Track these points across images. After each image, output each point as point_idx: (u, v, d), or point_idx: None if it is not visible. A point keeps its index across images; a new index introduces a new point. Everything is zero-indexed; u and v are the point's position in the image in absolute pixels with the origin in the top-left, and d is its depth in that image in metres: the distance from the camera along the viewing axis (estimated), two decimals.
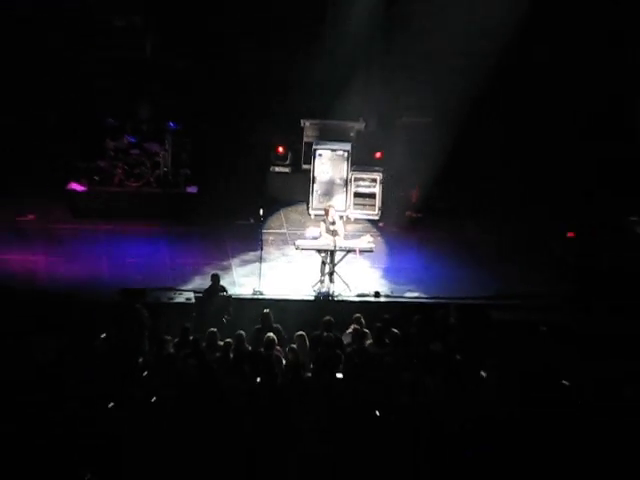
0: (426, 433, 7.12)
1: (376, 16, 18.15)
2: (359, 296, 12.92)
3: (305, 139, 17.02)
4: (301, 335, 9.73)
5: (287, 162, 17.04)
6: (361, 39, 18.02)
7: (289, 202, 16.74)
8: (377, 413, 7.56)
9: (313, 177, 16.53)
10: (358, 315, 10.49)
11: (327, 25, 18.55)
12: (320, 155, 16.36)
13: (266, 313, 10.55)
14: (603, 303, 12.89)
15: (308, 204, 16.82)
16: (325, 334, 9.87)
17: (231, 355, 9.06)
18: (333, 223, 13.44)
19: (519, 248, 15.56)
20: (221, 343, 9.36)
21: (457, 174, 17.28)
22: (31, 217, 15.84)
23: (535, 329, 10.62)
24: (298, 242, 13.86)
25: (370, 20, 18.14)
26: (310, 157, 16.43)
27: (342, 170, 16.31)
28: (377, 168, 16.51)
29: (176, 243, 15.12)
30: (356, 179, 16.39)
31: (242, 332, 9.57)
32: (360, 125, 17.13)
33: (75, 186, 16.18)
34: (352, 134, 17.01)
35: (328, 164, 16.46)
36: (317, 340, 9.88)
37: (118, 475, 6.21)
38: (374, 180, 16.38)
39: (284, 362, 9.11)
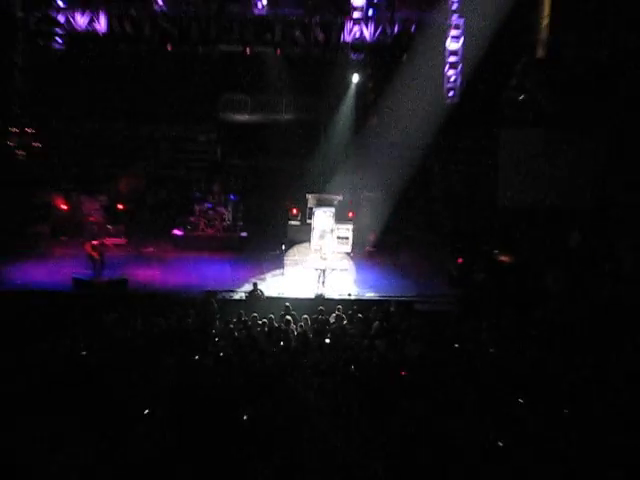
0: (372, 380, 9.00)
1: (351, 129, 23.07)
2: (339, 295, 16.05)
3: (308, 205, 20.15)
4: (305, 318, 12.48)
5: (298, 218, 20.72)
6: (342, 146, 23.08)
7: (300, 242, 19.76)
8: (352, 368, 9.58)
9: (312, 227, 19.54)
10: (339, 306, 13.59)
11: (321, 143, 23.73)
12: (316, 214, 19.48)
13: (287, 305, 13.50)
14: (478, 301, 15.89)
15: (310, 243, 19.72)
16: (319, 317, 12.70)
17: (266, 329, 11.84)
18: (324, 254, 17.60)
19: (429, 269, 19.36)
20: (260, 322, 12.17)
21: (395, 226, 21.34)
22: (150, 249, 20.23)
23: (442, 315, 14.62)
24: (306, 264, 18.45)
25: (347, 133, 23.18)
26: (311, 215, 19.69)
27: (330, 223, 19.38)
28: (350, 222, 20.14)
29: (234, 265, 18.88)
30: (338, 228, 19.71)
31: (272, 315, 12.52)
32: (340, 197, 20.05)
33: (176, 231, 20.88)
34: (335, 202, 19.86)
35: (321, 219, 19.41)
36: (315, 320, 12.52)
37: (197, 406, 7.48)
38: (348, 229, 19.97)
39: (296, 333, 11.80)
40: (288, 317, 12.66)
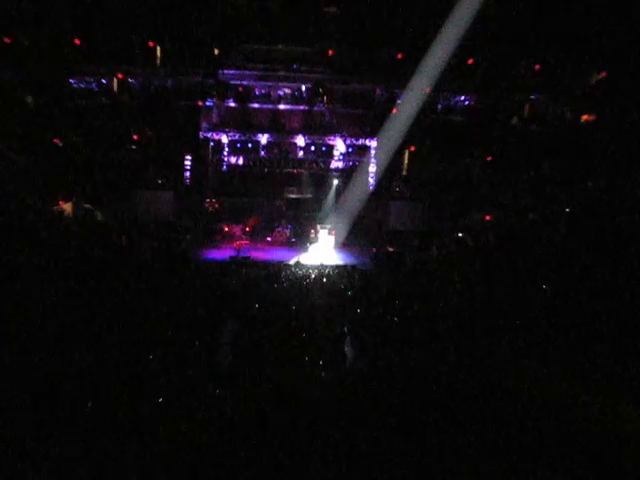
0: (340, 295, 10.33)
1: (333, 202, 25.81)
2: (329, 263, 18.68)
3: (318, 228, 23.99)
4: (317, 271, 15.09)
5: (314, 234, 24.19)
6: (330, 209, 25.89)
7: (314, 243, 23.50)
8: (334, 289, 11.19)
9: (319, 237, 23.65)
10: (329, 267, 16.30)
11: (322, 208, 26.29)
12: (320, 232, 23.87)
13: (309, 267, 16.19)
14: (381, 266, 18.56)
15: (318, 243, 23.13)
16: (322, 271, 15.06)
17: (302, 274, 13.79)
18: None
19: (364, 253, 22.37)
20: (299, 272, 14.76)
21: (349, 236, 24.83)
22: (245, 242, 23.06)
23: (367, 271, 16.81)
24: (317, 251, 21.78)
25: (332, 204, 25.83)
26: (318, 232, 23.90)
27: (326, 235, 23.74)
28: (333, 235, 23.92)
29: (290, 252, 21.87)
30: (329, 237, 23.71)
31: (304, 270, 15.16)
32: (329, 225, 23.97)
33: (268, 238, 24.65)
34: (328, 227, 23.94)
35: (323, 234, 23.75)
36: (320, 272, 14.79)
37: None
38: (332, 237, 23.78)
39: (313, 276, 13.63)
40: (310, 271, 15.67)
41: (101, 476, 3.34)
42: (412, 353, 6.07)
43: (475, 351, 6.06)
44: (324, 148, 25.27)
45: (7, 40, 17.63)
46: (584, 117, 21.16)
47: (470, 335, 6.84)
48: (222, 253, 20.52)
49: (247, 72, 23.10)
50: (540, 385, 4.95)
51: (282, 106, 24.90)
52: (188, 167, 24.29)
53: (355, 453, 3.63)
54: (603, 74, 20.20)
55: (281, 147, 25.24)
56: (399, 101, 23.22)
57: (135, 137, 23.37)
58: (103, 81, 22.00)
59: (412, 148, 24.62)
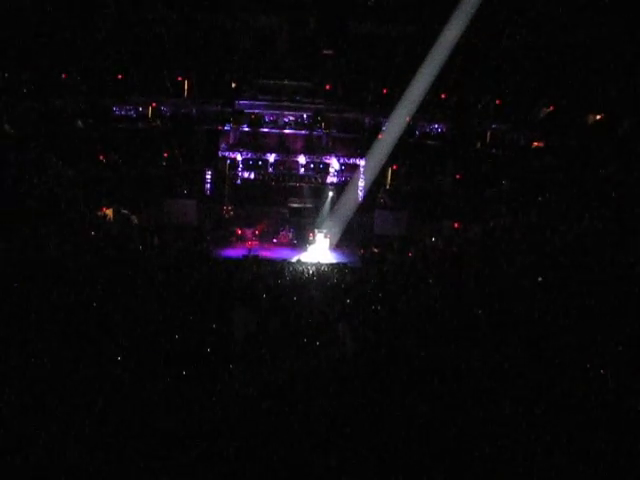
0: (335, 289, 10.35)
1: (327, 213, 25.34)
2: (325, 261, 18.88)
3: (316, 232, 23.72)
4: (315, 267, 14.95)
5: (312, 237, 23.91)
6: (325, 219, 25.17)
7: (312, 244, 23.42)
8: (328, 283, 11.35)
9: (316, 239, 23.51)
10: (325, 265, 16.48)
11: (320, 218, 25.63)
12: (317, 235, 23.75)
13: (308, 264, 16.39)
14: (368, 265, 18.25)
15: (316, 244, 23.04)
16: (319, 268, 15.14)
17: (302, 270, 13.97)
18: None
19: (354, 253, 22.35)
20: (300, 268, 14.74)
21: (341, 239, 24.36)
22: (255, 243, 23.06)
23: (357, 269, 16.78)
24: (315, 251, 21.85)
25: (326, 215, 25.34)
26: (316, 235, 23.63)
27: (322, 238, 23.60)
28: (328, 238, 23.71)
29: (292, 252, 21.98)
30: (324, 239, 23.60)
31: (304, 267, 15.30)
32: (325, 230, 23.75)
33: (274, 240, 24.36)
34: (324, 231, 23.87)
35: (319, 237, 23.61)
36: (317, 269, 14.92)
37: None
38: (327, 240, 23.63)
39: (311, 272, 13.71)
40: (309, 267, 15.67)
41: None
42: (393, 334, 6.26)
43: (444, 333, 6.21)
44: (321, 166, 25.15)
45: (64, 75, 18.96)
46: (535, 143, 21.99)
47: (440, 320, 6.95)
48: (236, 252, 20.77)
49: (258, 102, 23.54)
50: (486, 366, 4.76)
51: (287, 130, 25.10)
52: (209, 180, 24.46)
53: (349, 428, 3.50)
54: (551, 108, 20.99)
55: (286, 164, 25.17)
56: (384, 127, 23.46)
57: (165, 155, 23.77)
58: (140, 109, 22.59)
59: (395, 166, 24.82)
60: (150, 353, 4.86)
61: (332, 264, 18.15)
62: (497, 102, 21.67)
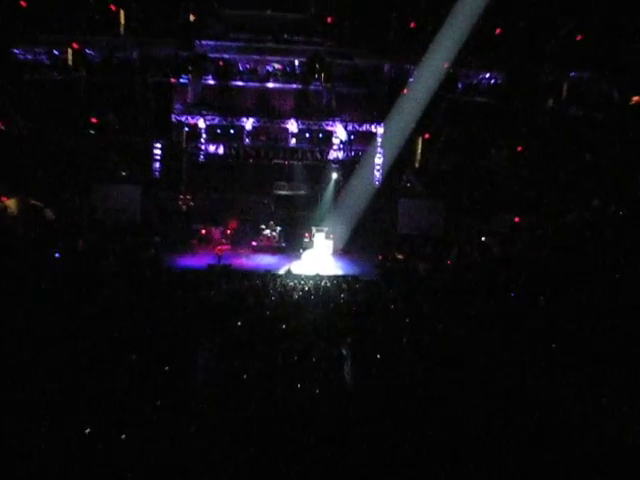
0: (340, 310, 10.94)
1: (332, 199, 27.21)
2: (326, 273, 19.14)
3: (313, 232, 24.79)
4: (311, 282, 15.36)
5: (308, 238, 24.92)
6: (327, 207, 27.30)
7: (309, 249, 24.33)
8: (332, 305, 11.53)
9: (314, 241, 24.56)
10: (326, 278, 16.80)
11: (318, 205, 27.63)
12: (316, 235, 24.67)
13: (302, 277, 16.84)
14: (387, 277, 18.81)
15: (314, 249, 24.01)
16: (317, 282, 15.52)
17: (293, 286, 14.21)
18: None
19: (366, 261, 22.91)
20: (291, 284, 15.05)
21: (350, 242, 25.62)
22: (226, 247, 23.93)
23: (371, 282, 17.51)
24: (311, 258, 22.89)
25: (330, 201, 27.33)
26: (314, 236, 24.63)
27: (322, 239, 24.61)
28: (331, 239, 24.75)
29: (278, 259, 23.07)
30: (326, 241, 24.58)
31: (296, 281, 15.67)
32: (326, 228, 24.78)
33: (253, 243, 25.18)
34: (325, 230, 24.81)
35: (319, 238, 24.59)
36: (315, 284, 15.12)
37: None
38: (330, 242, 24.62)
39: (306, 288, 13.99)
40: (303, 282, 16.01)
41: None
42: (424, 386, 6.31)
43: (504, 388, 6.33)
44: (321, 135, 26.08)
45: None
46: (636, 99, 20.32)
47: (498, 367, 7.04)
48: (198, 260, 21.28)
49: (229, 43, 23.55)
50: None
51: (271, 84, 25.42)
52: (158, 157, 24.93)
53: None
54: None
55: (269, 134, 26.13)
56: (411, 79, 23.81)
57: (93, 120, 23.65)
58: (55, 52, 22.15)
59: (427, 136, 25.26)
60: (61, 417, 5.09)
61: (337, 277, 18.47)
62: (577, 39, 20.78)
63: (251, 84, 25.33)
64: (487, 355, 7.49)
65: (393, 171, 25.85)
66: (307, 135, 26.14)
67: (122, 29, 22.20)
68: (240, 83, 25.28)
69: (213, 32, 23.35)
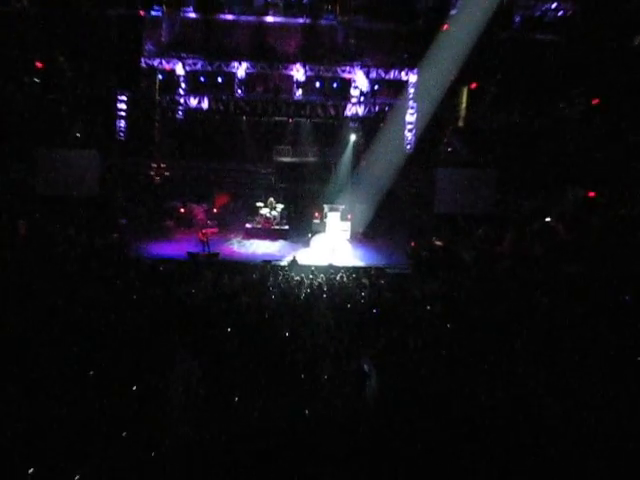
0: (360, 313, 11.08)
1: (350, 167, 28.15)
2: (342, 264, 19.79)
3: (325, 211, 25.33)
4: (322, 276, 15.73)
5: (319, 219, 25.76)
6: (344, 177, 28.20)
7: (319, 232, 24.98)
8: (348, 305, 11.74)
9: (327, 224, 25.20)
10: (342, 270, 17.40)
11: (332, 175, 28.76)
12: (329, 216, 25.18)
13: (312, 269, 17.17)
14: (423, 267, 19.72)
15: (326, 233, 24.65)
16: (330, 276, 15.83)
17: (299, 282, 14.42)
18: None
19: (394, 248, 23.87)
20: (296, 278, 15.19)
21: (374, 223, 26.56)
22: (213, 230, 24.50)
23: (402, 276, 18.19)
24: (323, 245, 23.22)
25: (347, 170, 28.14)
26: (326, 217, 25.22)
27: (337, 221, 25.17)
28: (348, 221, 25.52)
29: (281, 245, 23.98)
30: (341, 224, 25.15)
31: (303, 275, 15.93)
32: (343, 206, 25.43)
33: (247, 225, 25.86)
34: (340, 209, 25.39)
35: (332, 219, 25.12)
36: (327, 278, 15.42)
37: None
38: (347, 225, 25.37)
39: (316, 285, 14.19)
40: (312, 276, 16.16)
41: None
42: (468, 408, 6.46)
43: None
44: (335, 85, 26.43)
45: None
46: None
47: (565, 385, 7.18)
48: (176, 248, 21.76)
49: None
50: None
51: (270, 19, 25.82)
52: (122, 113, 25.42)
53: None
54: None
55: (268, 83, 26.64)
56: (453, 11, 24.22)
57: (38, 65, 23.84)
58: None
59: (473, 85, 25.90)
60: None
61: (356, 270, 18.81)
62: None
63: (244, 18, 25.72)
64: (557, 383, 7.44)
65: (429, 132, 26.22)
66: (317, 85, 26.53)
67: None
68: (230, 17, 25.70)
69: None
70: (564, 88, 24.93)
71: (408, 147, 26.64)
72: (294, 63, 25.97)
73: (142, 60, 25.31)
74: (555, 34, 24.77)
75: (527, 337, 9.20)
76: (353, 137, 27.81)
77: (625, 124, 23.22)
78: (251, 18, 25.69)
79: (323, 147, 28.53)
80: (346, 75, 26.17)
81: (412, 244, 23.47)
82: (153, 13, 24.63)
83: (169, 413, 6.32)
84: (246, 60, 25.73)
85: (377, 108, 27.28)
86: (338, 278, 16.33)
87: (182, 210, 26.44)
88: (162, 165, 27.09)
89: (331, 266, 19.28)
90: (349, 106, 27.13)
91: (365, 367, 7.48)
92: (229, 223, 26.99)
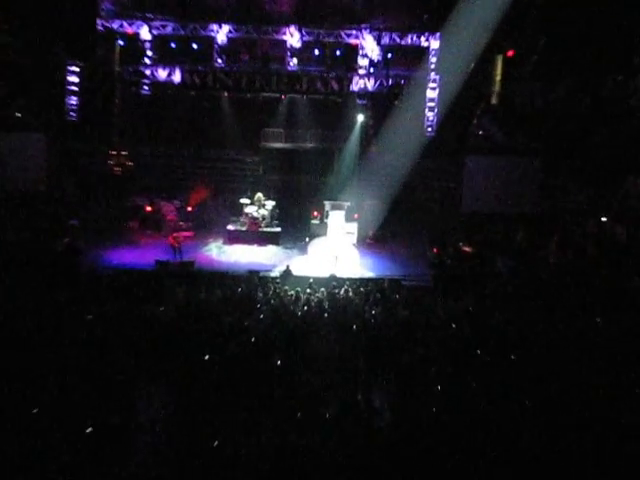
0: (370, 335, 11.51)
1: (356, 154, 28.51)
2: (347, 275, 20.11)
3: (325, 209, 25.41)
4: (322, 290, 16.19)
5: (318, 219, 25.95)
6: (349, 167, 28.62)
7: (319, 235, 24.90)
8: (354, 327, 11.92)
9: (328, 225, 25.14)
10: (347, 283, 17.61)
11: (334, 164, 29.40)
12: (331, 215, 25.00)
13: (310, 282, 17.24)
14: (448, 279, 19.98)
15: (327, 237, 24.54)
16: (333, 290, 16.34)
17: (293, 298, 15.03)
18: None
19: (412, 255, 24.27)
20: (290, 293, 15.73)
21: (387, 224, 26.63)
22: (187, 234, 24.81)
23: (422, 289, 18.59)
24: (323, 252, 23.12)
25: (353, 158, 28.59)
26: (327, 216, 25.17)
27: (341, 222, 24.86)
28: (355, 221, 25.62)
29: (272, 252, 24.06)
30: (347, 226, 24.93)
31: (299, 288, 16.07)
32: (348, 203, 25.27)
33: (230, 227, 25.85)
34: (345, 207, 25.20)
35: (335, 219, 24.80)
36: (329, 293, 16.03)
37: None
38: (354, 226, 25.38)
39: (315, 301, 14.87)
40: (310, 289, 16.51)
41: None
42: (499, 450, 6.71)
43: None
44: (339, 52, 27.30)
45: None
46: None
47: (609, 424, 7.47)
48: (141, 255, 22.17)
49: None
50: None
51: None
52: (74, 88, 26.06)
53: None
54: None
55: (256, 51, 27.44)
56: None
57: None
58: None
59: (510, 53, 26.12)
60: None
61: (364, 282, 19.24)
62: None
63: None
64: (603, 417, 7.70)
65: (456, 111, 26.68)
66: (316, 52, 27.26)
67: None
68: None
69: None
70: (626, 54, 24.55)
71: (429, 130, 27.11)
72: (287, 25, 26.45)
73: (98, 22, 25.72)
74: None
75: (577, 366, 9.44)
76: (361, 117, 28.31)
77: None
78: None
79: (323, 130, 28.98)
80: (352, 41, 26.67)
81: (434, 250, 23.74)
82: None
83: (131, 456, 6.55)
84: (228, 22, 26.08)
85: (390, 82, 27.54)
86: (342, 293, 16.51)
87: (148, 209, 26.48)
88: (123, 153, 27.33)
89: (334, 278, 19.37)
90: (356, 79, 27.58)
91: (375, 402, 7.89)
92: (207, 225, 27.17)
